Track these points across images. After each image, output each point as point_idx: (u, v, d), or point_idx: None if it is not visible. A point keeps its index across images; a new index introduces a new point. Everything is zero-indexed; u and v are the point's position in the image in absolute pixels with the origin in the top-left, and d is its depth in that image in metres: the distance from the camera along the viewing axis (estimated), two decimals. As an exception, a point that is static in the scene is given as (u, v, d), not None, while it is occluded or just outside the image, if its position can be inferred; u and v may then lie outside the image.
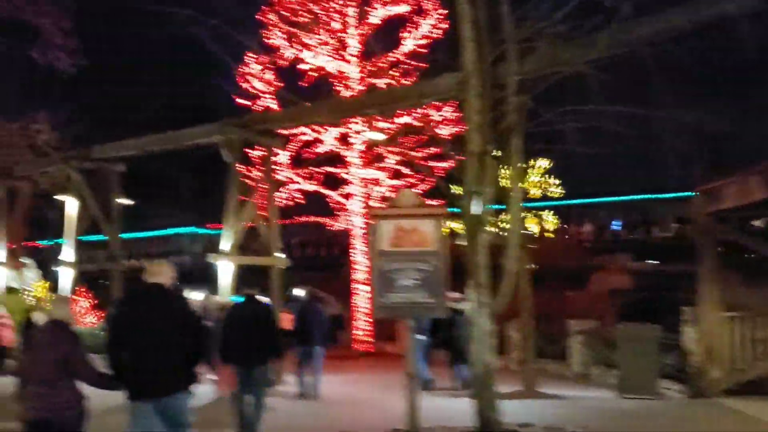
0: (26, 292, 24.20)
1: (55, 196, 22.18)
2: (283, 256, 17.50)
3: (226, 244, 16.28)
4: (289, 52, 23.56)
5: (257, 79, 23.65)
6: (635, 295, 27.04)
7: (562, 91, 11.77)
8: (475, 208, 9.57)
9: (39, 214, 38.33)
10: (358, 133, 23.12)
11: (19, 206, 23.82)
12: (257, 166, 19.62)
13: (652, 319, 14.57)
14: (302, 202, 24.44)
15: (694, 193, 14.11)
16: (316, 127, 22.81)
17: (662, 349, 13.84)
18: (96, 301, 24.14)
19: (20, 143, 24.89)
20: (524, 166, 14.84)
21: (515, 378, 14.20)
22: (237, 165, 16.91)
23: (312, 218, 24.77)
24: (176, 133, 18.35)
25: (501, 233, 16.32)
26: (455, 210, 11.69)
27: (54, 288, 22.64)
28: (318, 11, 23.64)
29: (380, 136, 17.87)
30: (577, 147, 12.37)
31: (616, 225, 54.56)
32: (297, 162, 24.12)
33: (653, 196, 51.23)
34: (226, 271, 16.17)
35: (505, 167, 11.79)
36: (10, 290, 24.27)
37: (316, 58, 23.37)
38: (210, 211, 47.63)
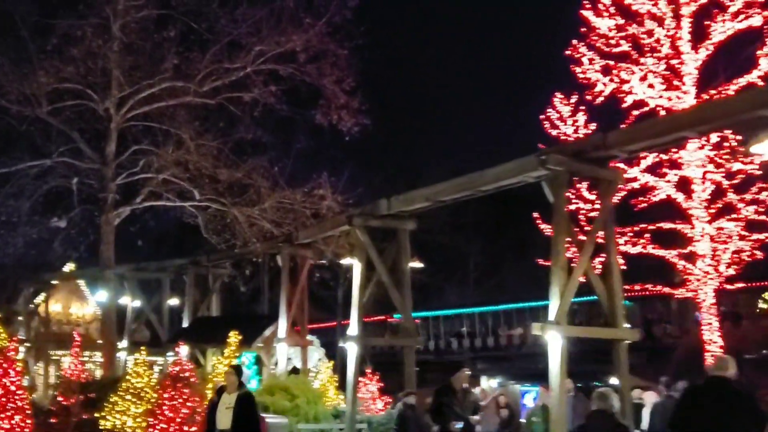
0: (311, 373, 21.69)
1: (340, 261, 19.53)
2: (629, 326, 12.82)
3: (554, 309, 11.95)
4: (607, 88, 19.71)
5: (565, 123, 20.36)
6: None
7: None
8: None
9: (326, 294, 37.23)
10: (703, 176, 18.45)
11: (302, 277, 21.53)
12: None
13: None
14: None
15: None
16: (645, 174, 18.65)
17: None
18: (383, 385, 20.96)
19: (304, 211, 23.03)
20: None
21: None
22: (563, 208, 12.74)
23: (650, 286, 19.94)
24: (476, 175, 14.64)
25: None
26: None
27: (341, 368, 19.88)
28: (641, 35, 19.60)
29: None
30: None
31: None
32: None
33: None
34: (555, 346, 11.78)
35: None
36: (293, 371, 22.07)
37: (644, 88, 19.15)
38: (498, 288, 44.39)
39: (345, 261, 19.58)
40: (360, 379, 18.62)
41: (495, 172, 14.12)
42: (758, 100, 10.31)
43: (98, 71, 21.56)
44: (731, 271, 19.07)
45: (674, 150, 18.79)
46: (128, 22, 21.71)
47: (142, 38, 21.86)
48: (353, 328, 17.15)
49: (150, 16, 22.21)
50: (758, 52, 18.29)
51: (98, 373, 27.35)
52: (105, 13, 21.28)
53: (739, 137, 18.55)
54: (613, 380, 30.13)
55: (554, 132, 20.56)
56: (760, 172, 18.42)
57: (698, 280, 18.91)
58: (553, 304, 12.06)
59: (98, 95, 22.07)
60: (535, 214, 20.06)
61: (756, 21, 18.55)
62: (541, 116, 20.84)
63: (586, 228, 17.81)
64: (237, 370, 11.67)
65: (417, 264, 18.44)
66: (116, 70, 21.67)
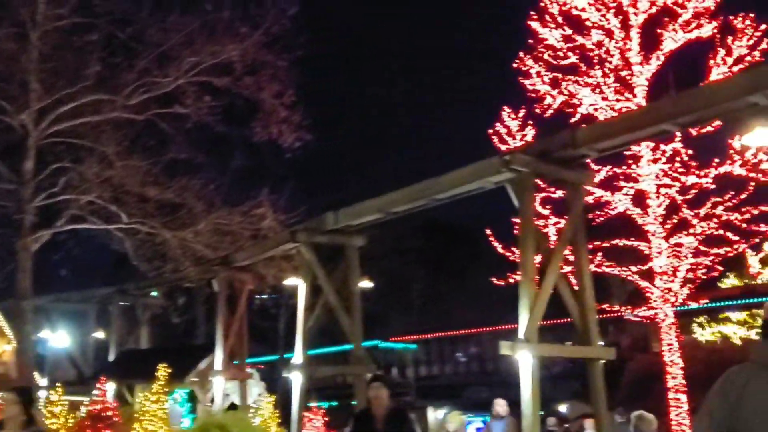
0: (250, 410, 20.06)
1: (282, 282, 18.09)
2: (603, 344, 11.79)
3: (524, 326, 10.82)
4: (555, 101, 19.06)
5: (514, 138, 19.56)
6: None
7: None
8: None
9: (267, 325, 35.40)
10: (657, 190, 17.78)
11: (240, 304, 19.96)
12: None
13: None
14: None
15: None
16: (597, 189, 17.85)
17: None
18: (328, 419, 19.49)
19: (242, 233, 21.50)
20: None
21: None
22: (530, 214, 11.68)
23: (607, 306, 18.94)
24: (431, 182, 13.54)
25: None
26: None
27: (283, 403, 18.32)
28: (590, 46, 19.04)
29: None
30: None
31: None
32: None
33: None
34: (526, 367, 10.61)
35: None
36: (231, 407, 20.40)
37: (594, 99, 18.52)
38: (445, 316, 43.21)
39: (288, 282, 18.13)
40: (304, 413, 17.17)
41: (451, 178, 13.06)
42: (748, 85, 9.39)
43: (14, 81, 19.72)
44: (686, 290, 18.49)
45: (629, 162, 18.21)
46: (48, 31, 20.00)
47: (63, 46, 20.14)
48: (298, 356, 15.72)
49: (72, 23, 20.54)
50: (710, 62, 17.92)
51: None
52: (20, 17, 19.50)
53: (690, 152, 18.27)
54: (562, 407, 29.06)
55: (503, 147, 19.77)
56: (713, 186, 17.94)
57: (659, 298, 18.14)
58: (523, 320, 10.93)
59: (13, 107, 20.18)
60: (488, 231, 19.11)
61: (706, 31, 18.27)
62: (489, 131, 20.10)
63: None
64: (23, 395, 7.35)
65: (367, 283, 17.11)
66: (34, 80, 19.86)
